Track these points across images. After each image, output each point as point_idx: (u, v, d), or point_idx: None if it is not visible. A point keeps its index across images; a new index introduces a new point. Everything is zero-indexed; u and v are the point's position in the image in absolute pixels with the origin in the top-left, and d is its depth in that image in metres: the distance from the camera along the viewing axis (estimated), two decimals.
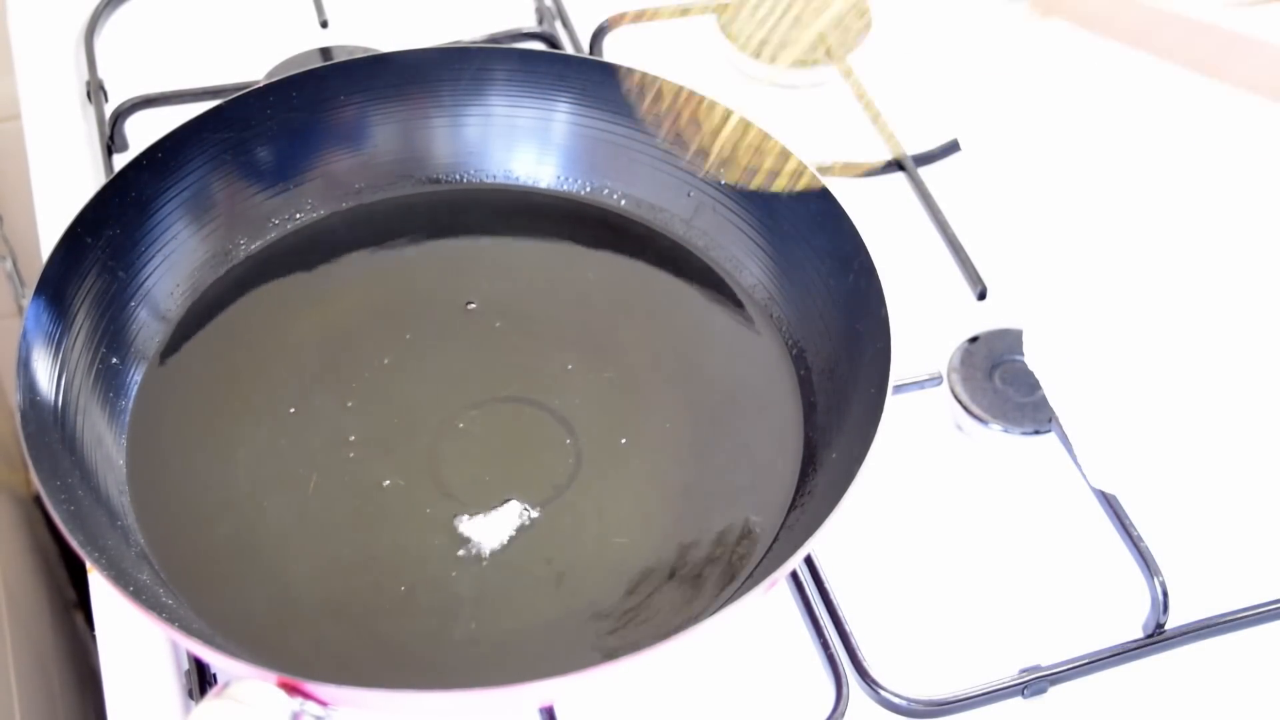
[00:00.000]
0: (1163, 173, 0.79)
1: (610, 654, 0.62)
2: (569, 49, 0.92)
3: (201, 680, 0.64)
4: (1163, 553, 0.67)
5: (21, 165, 0.89)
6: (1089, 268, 0.76)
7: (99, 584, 0.68)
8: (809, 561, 0.67)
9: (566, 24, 0.93)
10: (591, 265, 0.77)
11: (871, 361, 0.66)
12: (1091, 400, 0.71)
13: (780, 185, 0.70)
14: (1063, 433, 0.71)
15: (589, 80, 0.78)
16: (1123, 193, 0.78)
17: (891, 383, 0.64)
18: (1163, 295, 0.75)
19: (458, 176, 0.80)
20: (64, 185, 0.86)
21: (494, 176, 0.80)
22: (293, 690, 0.54)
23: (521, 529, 0.66)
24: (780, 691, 0.66)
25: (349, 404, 0.71)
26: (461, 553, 0.66)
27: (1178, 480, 0.69)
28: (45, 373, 0.66)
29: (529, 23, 0.95)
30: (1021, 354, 0.75)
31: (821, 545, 0.66)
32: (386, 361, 0.73)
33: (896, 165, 0.84)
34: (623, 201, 0.79)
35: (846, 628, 0.65)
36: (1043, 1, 0.73)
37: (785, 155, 0.72)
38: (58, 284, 0.68)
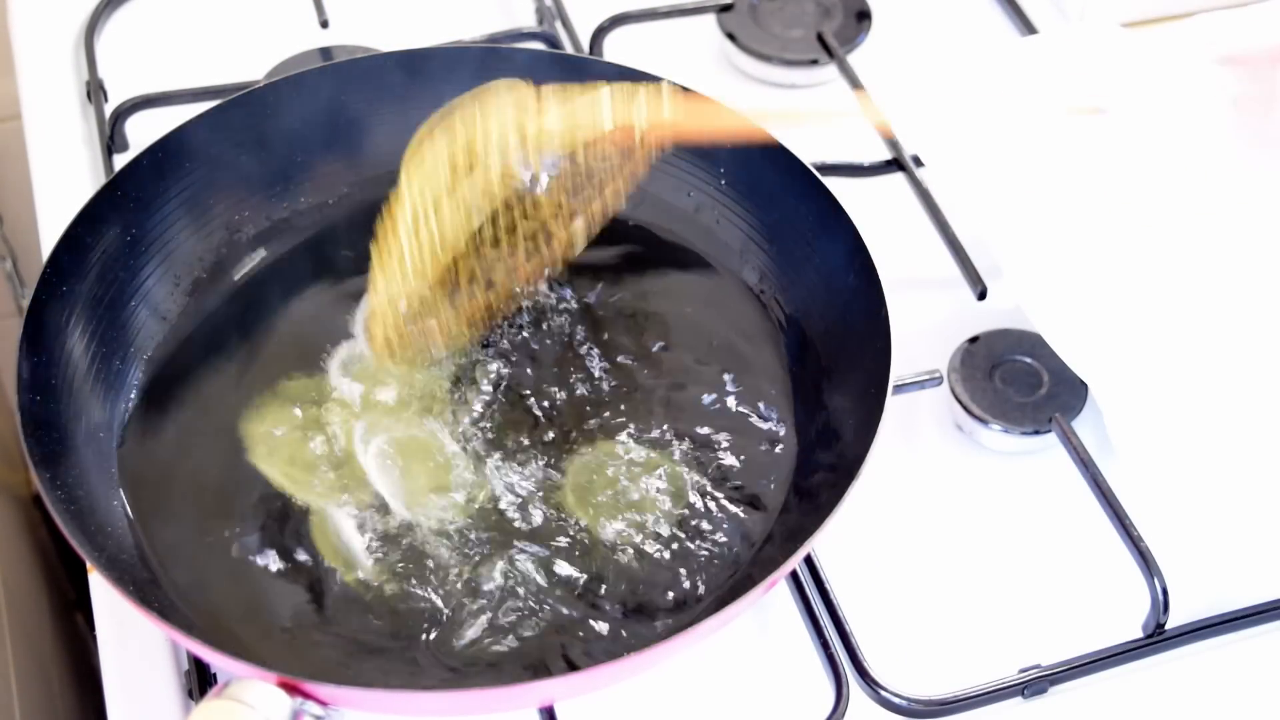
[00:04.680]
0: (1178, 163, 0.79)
1: (610, 654, 0.62)
2: (569, 49, 0.92)
3: (201, 680, 0.64)
4: (1163, 553, 0.67)
5: (21, 165, 0.89)
6: (1103, 233, 0.75)
7: (99, 584, 0.68)
8: (809, 561, 0.67)
9: (566, 24, 0.93)
10: (591, 265, 0.77)
11: (871, 361, 0.66)
12: (1119, 366, 0.71)
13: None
14: (1062, 432, 0.71)
15: (589, 80, 0.78)
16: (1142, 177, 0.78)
17: (891, 383, 0.64)
18: (1181, 258, 0.74)
19: None
20: (64, 185, 0.86)
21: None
22: (293, 690, 0.55)
23: (522, 529, 0.66)
24: (780, 691, 0.66)
25: (350, 403, 0.71)
26: (462, 552, 0.66)
27: (1202, 449, 0.68)
28: (46, 373, 0.66)
29: (529, 23, 0.95)
30: (1021, 354, 0.75)
31: (821, 545, 0.66)
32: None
33: (896, 165, 0.84)
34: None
35: (846, 628, 0.65)
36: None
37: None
38: (58, 284, 0.68)
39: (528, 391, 0.71)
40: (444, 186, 0.63)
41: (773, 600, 0.67)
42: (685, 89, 0.72)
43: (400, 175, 0.64)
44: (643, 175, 0.69)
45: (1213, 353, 0.71)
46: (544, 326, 0.74)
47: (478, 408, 0.71)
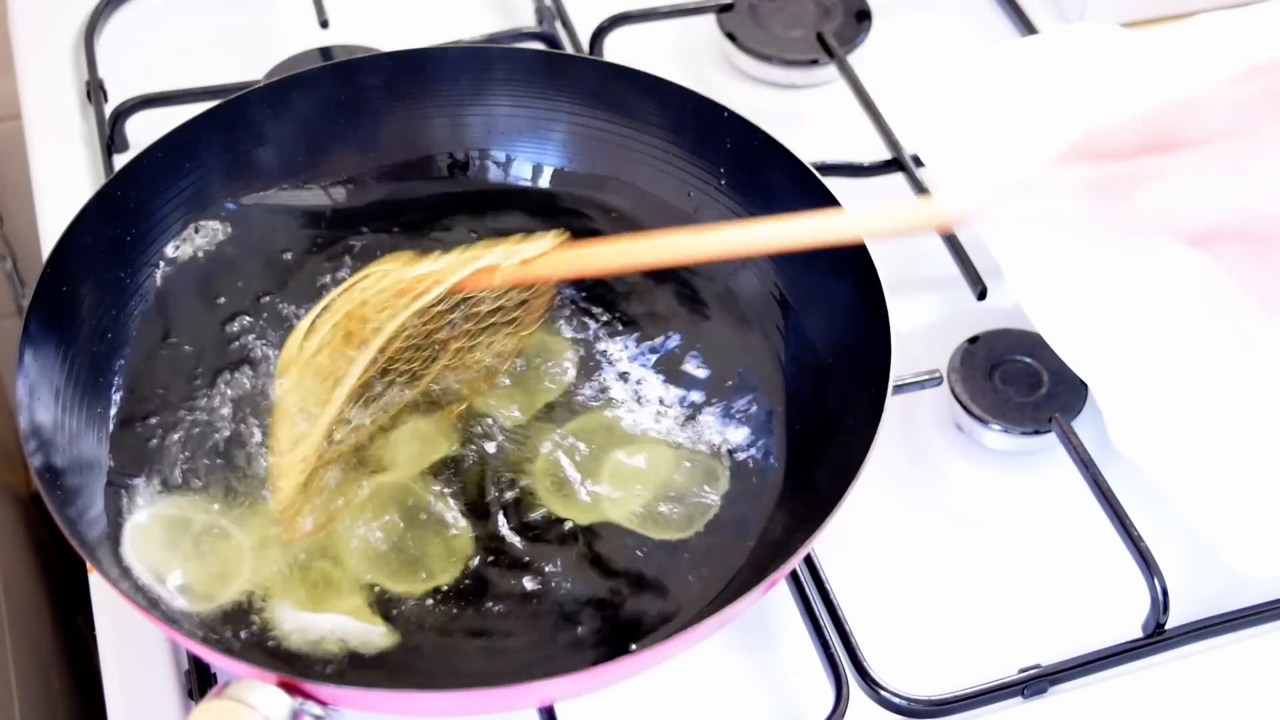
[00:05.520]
0: None
1: (610, 654, 0.62)
2: (569, 49, 0.92)
3: (201, 680, 0.64)
4: (1163, 553, 0.67)
5: (21, 165, 0.89)
6: (1103, 245, 0.75)
7: (99, 584, 0.68)
8: (809, 561, 0.67)
9: (566, 24, 0.93)
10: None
11: (871, 361, 0.66)
12: (1119, 366, 0.71)
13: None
14: (1062, 432, 0.71)
15: (589, 80, 0.78)
16: None
17: (891, 383, 0.64)
18: (1182, 257, 0.74)
19: (459, 175, 0.80)
20: (64, 185, 0.86)
21: (495, 176, 0.80)
22: (293, 690, 0.55)
23: (521, 528, 0.66)
24: (780, 691, 0.66)
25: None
26: (459, 552, 0.65)
27: (1201, 449, 0.68)
28: (46, 372, 0.66)
29: (529, 23, 0.95)
30: (1021, 354, 0.75)
31: (821, 545, 0.66)
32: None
33: (896, 165, 0.84)
34: (623, 201, 0.79)
35: (846, 628, 0.65)
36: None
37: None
38: (58, 284, 0.68)
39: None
40: (318, 365, 0.63)
41: (773, 600, 0.67)
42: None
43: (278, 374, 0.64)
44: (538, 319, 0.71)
45: (1212, 352, 0.71)
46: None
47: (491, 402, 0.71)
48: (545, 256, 0.64)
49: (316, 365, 0.63)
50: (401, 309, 0.62)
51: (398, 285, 0.63)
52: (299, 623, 0.62)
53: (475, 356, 0.70)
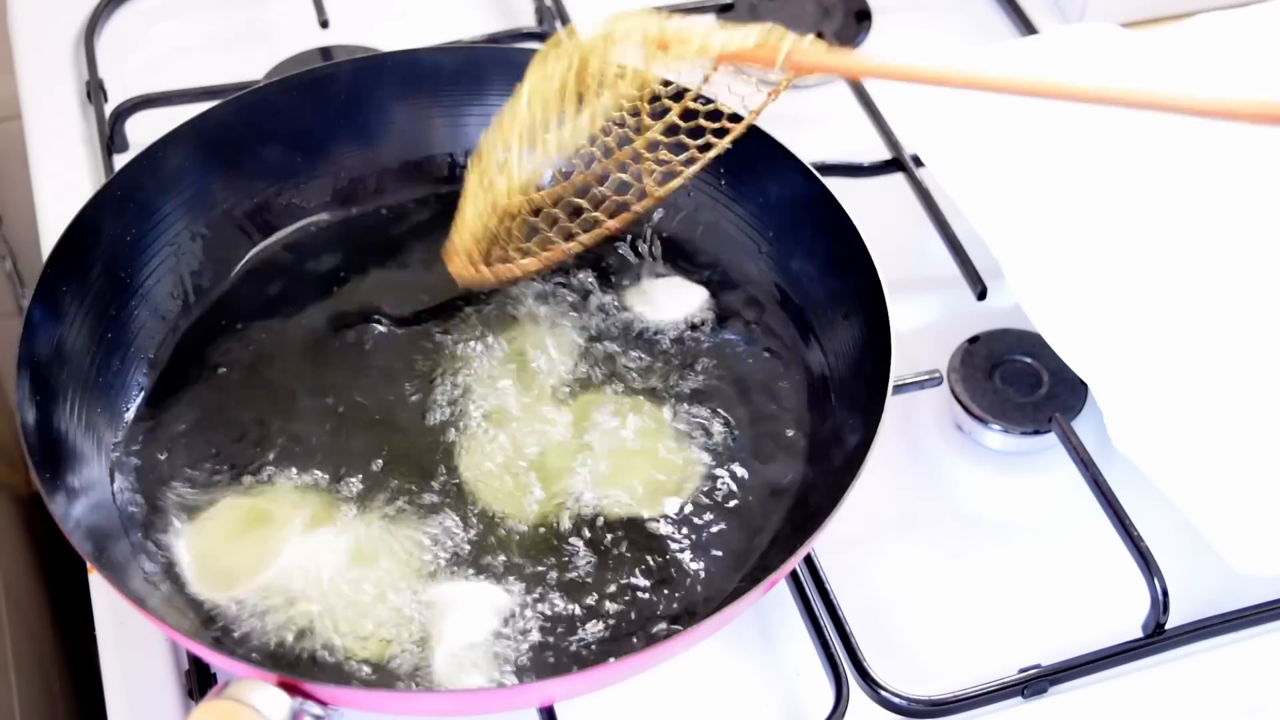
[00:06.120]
0: (1170, 159, 0.79)
1: (609, 654, 0.62)
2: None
3: (201, 680, 0.64)
4: (1163, 553, 0.67)
5: (21, 165, 0.89)
6: (1103, 234, 0.75)
7: (99, 584, 0.68)
8: (809, 561, 0.67)
9: (566, 24, 0.93)
10: (591, 265, 0.77)
11: (871, 361, 0.66)
12: (1119, 366, 0.71)
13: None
14: (1062, 432, 0.71)
15: None
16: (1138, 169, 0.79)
17: (891, 383, 0.64)
18: (1181, 258, 0.74)
19: (459, 175, 0.80)
20: (64, 185, 0.86)
21: None
22: (293, 690, 0.55)
23: (520, 527, 0.66)
24: (780, 691, 0.66)
25: (349, 404, 0.71)
26: (458, 552, 0.66)
27: (1201, 449, 0.68)
28: (45, 373, 0.66)
29: (529, 22, 0.95)
30: (1021, 354, 0.75)
31: (821, 545, 0.66)
32: (388, 353, 0.73)
33: (896, 165, 0.84)
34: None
35: (847, 628, 0.65)
36: None
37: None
38: (58, 284, 0.68)
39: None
40: (560, 96, 0.62)
41: (773, 600, 0.67)
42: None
43: (521, 85, 0.64)
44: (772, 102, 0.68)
45: (1212, 352, 0.71)
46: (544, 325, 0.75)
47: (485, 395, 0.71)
48: (819, 54, 0.64)
49: (548, 92, 0.62)
50: (648, 59, 0.61)
51: (654, 35, 0.61)
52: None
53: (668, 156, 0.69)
